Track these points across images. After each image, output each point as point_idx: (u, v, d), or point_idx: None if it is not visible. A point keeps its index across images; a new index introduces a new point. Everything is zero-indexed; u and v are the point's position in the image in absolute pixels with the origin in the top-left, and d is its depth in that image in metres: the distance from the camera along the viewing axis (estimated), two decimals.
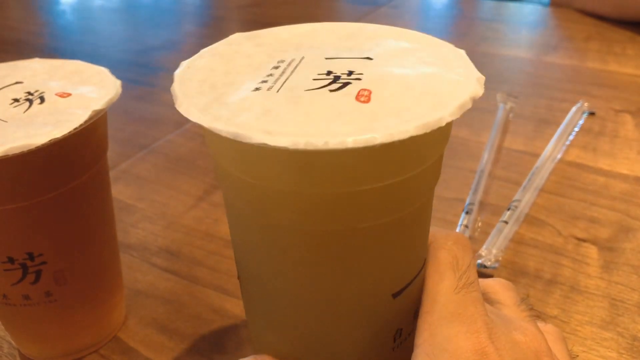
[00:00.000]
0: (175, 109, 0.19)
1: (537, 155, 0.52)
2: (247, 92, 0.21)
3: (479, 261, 0.39)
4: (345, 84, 0.21)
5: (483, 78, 0.21)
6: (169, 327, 0.37)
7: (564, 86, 0.67)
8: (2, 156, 0.24)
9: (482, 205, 0.46)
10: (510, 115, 0.59)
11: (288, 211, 0.20)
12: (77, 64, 0.33)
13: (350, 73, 0.22)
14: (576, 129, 0.56)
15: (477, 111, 0.61)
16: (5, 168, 0.26)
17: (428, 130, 0.18)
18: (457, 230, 0.42)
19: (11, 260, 0.29)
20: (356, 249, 0.21)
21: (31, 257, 0.29)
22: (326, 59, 0.24)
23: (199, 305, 0.38)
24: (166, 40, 0.91)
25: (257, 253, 0.23)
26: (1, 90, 0.30)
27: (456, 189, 0.48)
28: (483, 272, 0.39)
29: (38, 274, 0.30)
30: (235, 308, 0.37)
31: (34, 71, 0.32)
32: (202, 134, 0.61)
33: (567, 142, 0.54)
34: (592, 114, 0.59)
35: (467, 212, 0.44)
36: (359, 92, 0.21)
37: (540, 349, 0.22)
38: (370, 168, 0.19)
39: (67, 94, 0.29)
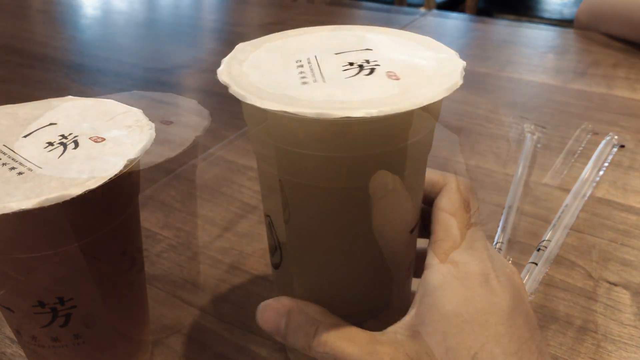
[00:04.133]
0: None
1: (565, 190, 0.51)
2: (299, 86, 0.24)
3: None
4: (372, 70, 0.26)
5: (456, 53, 0.27)
6: None
7: (592, 115, 0.66)
8: (36, 207, 0.24)
9: (510, 243, 0.45)
10: (538, 146, 0.59)
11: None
12: (109, 104, 0.33)
13: (367, 61, 0.27)
14: (606, 164, 0.55)
15: (503, 141, 0.61)
16: (38, 217, 0.26)
17: (452, 91, 0.24)
18: None
19: (42, 304, 0.29)
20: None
21: (61, 301, 0.29)
22: (336, 54, 0.27)
23: (224, 344, 0.38)
24: (190, 58, 0.91)
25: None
26: (35, 133, 0.30)
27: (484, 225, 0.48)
28: None
29: (67, 317, 0.30)
30: (260, 349, 0.37)
31: (67, 111, 0.32)
32: (226, 159, 0.61)
33: (597, 178, 0.53)
34: (622, 146, 0.58)
35: None
36: (387, 73, 0.25)
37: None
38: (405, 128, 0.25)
39: (101, 139, 0.29)
